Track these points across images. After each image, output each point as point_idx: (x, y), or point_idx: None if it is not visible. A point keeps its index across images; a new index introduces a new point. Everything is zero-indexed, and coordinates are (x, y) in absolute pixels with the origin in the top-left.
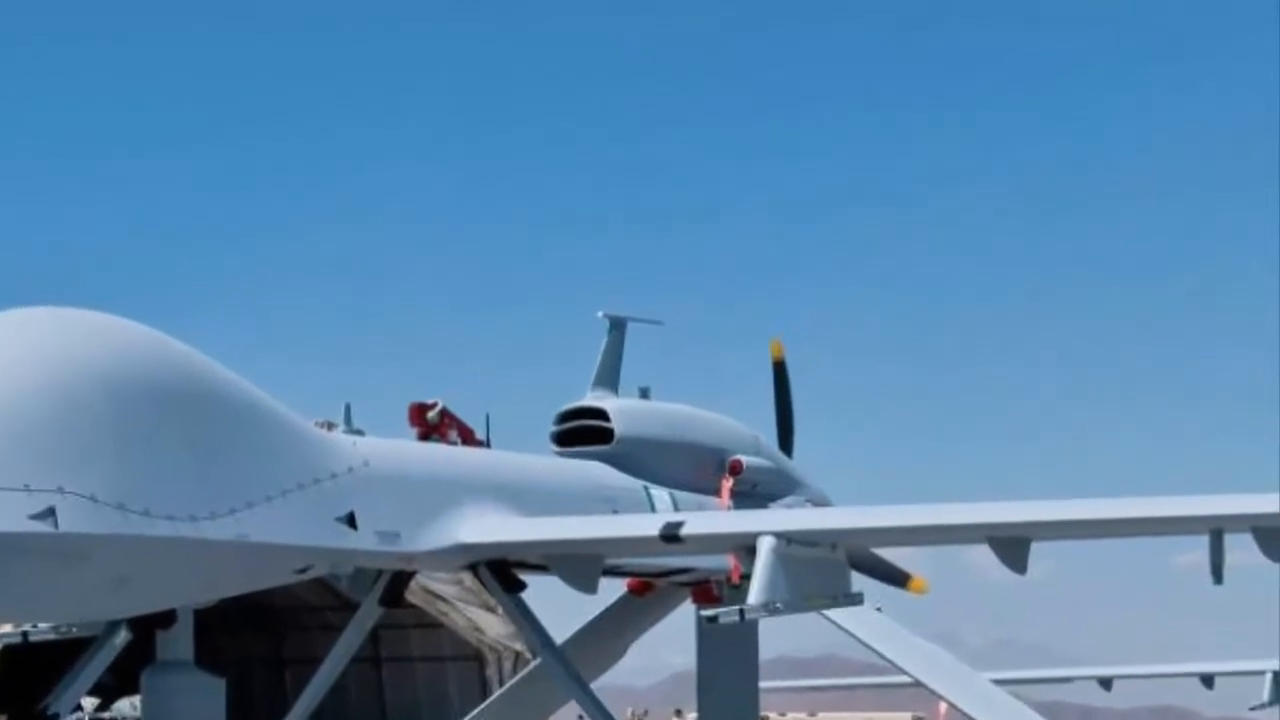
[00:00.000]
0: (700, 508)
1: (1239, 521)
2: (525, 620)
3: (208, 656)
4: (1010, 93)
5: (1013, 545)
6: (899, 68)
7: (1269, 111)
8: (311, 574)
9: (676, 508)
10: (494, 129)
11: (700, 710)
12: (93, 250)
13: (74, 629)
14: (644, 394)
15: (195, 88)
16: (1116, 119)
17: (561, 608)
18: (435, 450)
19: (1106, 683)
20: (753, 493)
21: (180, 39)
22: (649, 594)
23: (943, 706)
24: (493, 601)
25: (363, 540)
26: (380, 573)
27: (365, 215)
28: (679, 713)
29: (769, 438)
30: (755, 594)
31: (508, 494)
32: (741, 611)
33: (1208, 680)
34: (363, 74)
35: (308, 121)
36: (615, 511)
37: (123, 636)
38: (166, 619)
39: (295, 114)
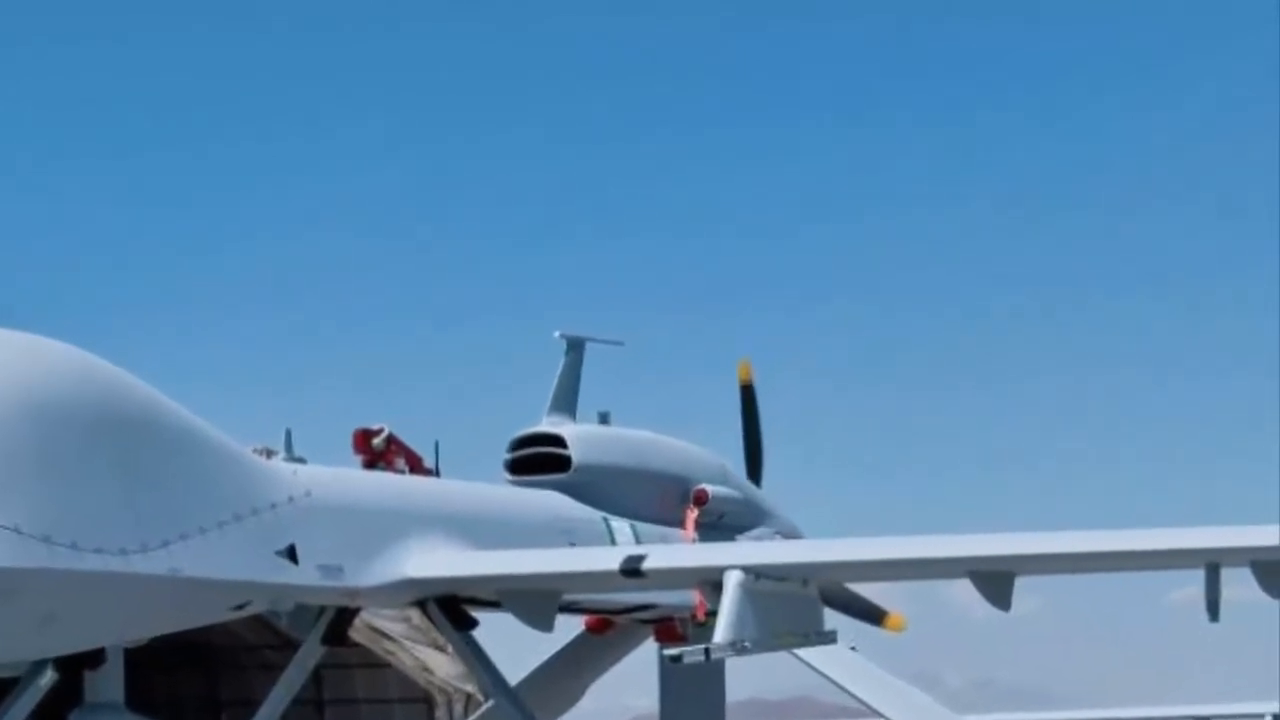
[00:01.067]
0: (663, 540)
1: (1237, 555)
2: (476, 660)
3: (139, 698)
4: (993, 100)
5: (996, 580)
6: (876, 74)
7: (1269, 120)
8: (249, 610)
9: (638, 540)
10: (443, 137)
11: None
12: (13, 266)
13: None
14: (603, 419)
15: (126, 94)
16: (1107, 127)
17: (515, 647)
18: (381, 479)
19: None
20: (719, 524)
21: (110, 43)
22: (608, 632)
23: None
24: (442, 640)
25: (304, 575)
26: (323, 609)
27: (306, 228)
28: None
29: (736, 466)
30: (722, 632)
31: (458, 525)
32: (707, 650)
33: None
34: (305, 79)
35: (243, 130)
36: (573, 544)
37: (49, 677)
38: (95, 658)
39: (231, 121)
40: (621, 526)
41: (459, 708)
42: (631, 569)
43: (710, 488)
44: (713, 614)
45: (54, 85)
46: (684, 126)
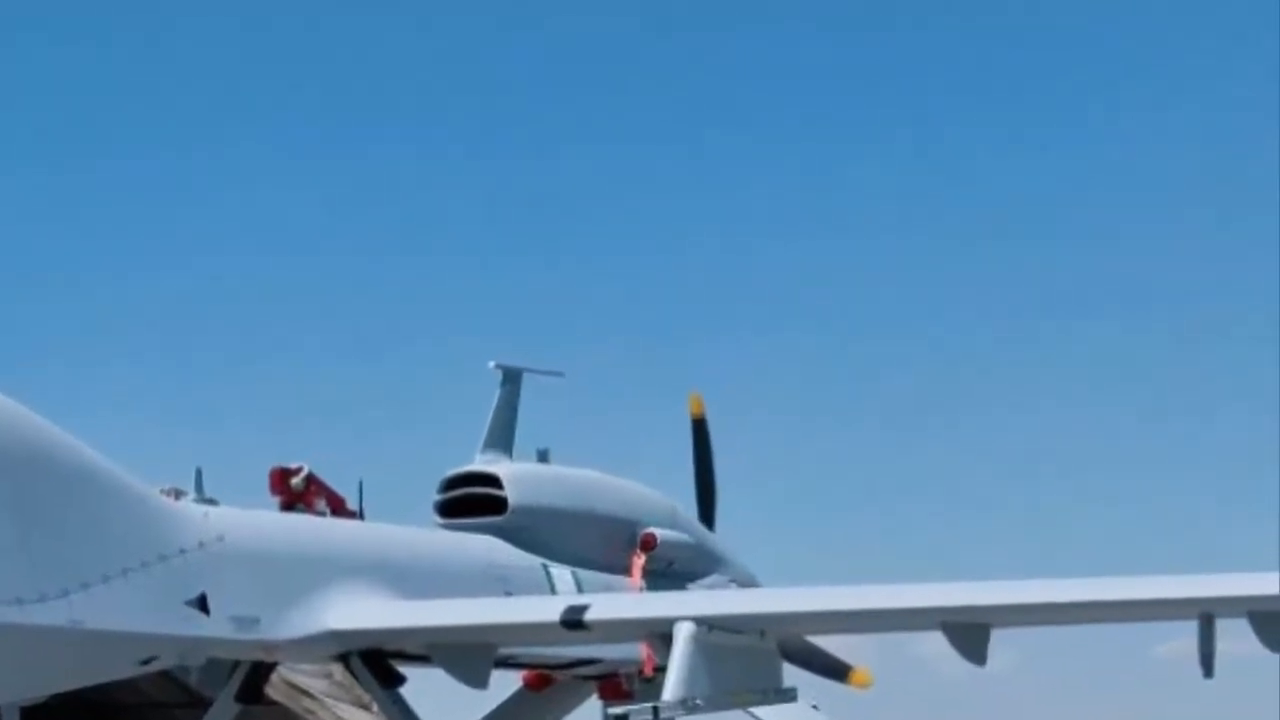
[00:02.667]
0: (608, 589)
1: (1233, 605)
2: (404, 719)
3: None
4: (966, 112)
5: (970, 632)
6: (837, 83)
7: (1268, 134)
8: (157, 665)
9: (580, 589)
10: (366, 152)
11: None
12: None
13: None
14: (542, 457)
15: (20, 105)
16: (1090, 142)
17: (447, 705)
18: (300, 522)
19: None
20: (669, 571)
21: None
22: (548, 689)
23: None
24: (367, 698)
25: (216, 626)
26: (236, 664)
27: (218, 250)
28: None
29: (687, 508)
30: (671, 689)
31: (384, 573)
32: (655, 709)
33: None
34: (213, 88)
35: (147, 144)
36: (509, 593)
37: None
38: None
39: (132, 135)
40: (562, 574)
41: None
42: (573, 620)
43: (659, 532)
44: (661, 669)
45: None
46: (629, 144)
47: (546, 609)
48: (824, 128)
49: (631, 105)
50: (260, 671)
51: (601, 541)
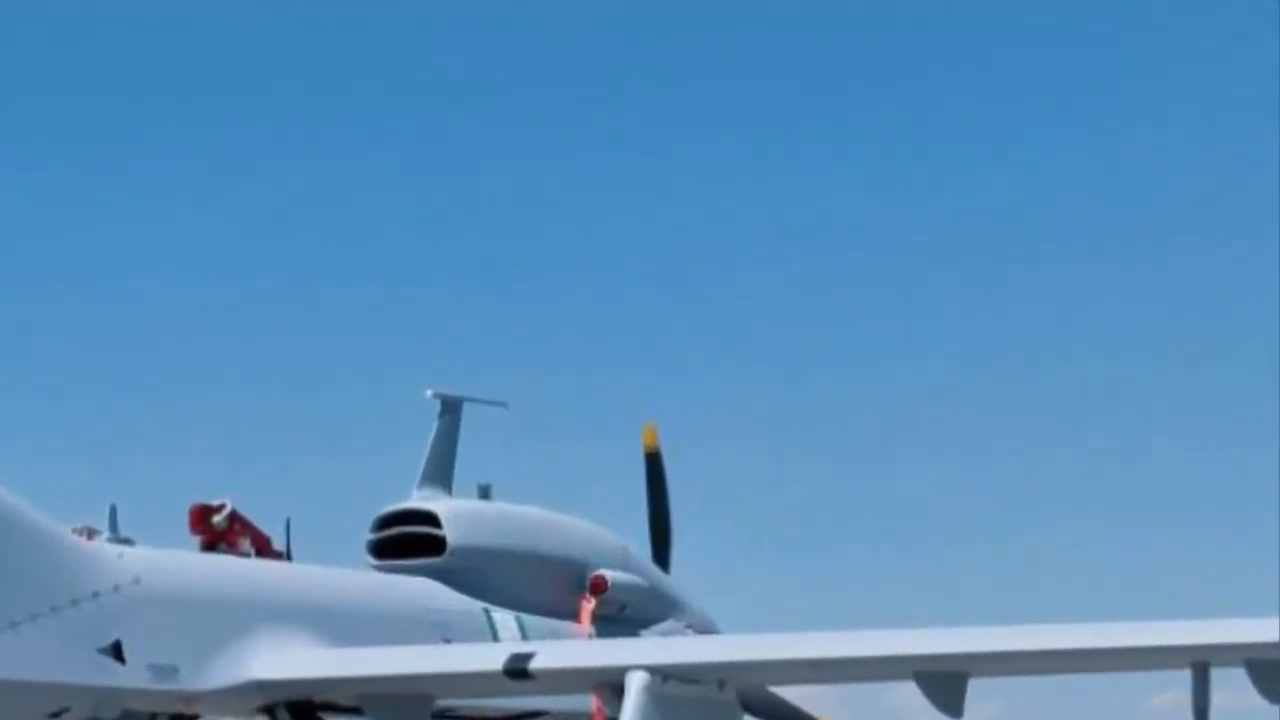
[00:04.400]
0: (555, 635)
1: (1229, 652)
2: None
3: None
4: (943, 116)
5: (946, 682)
6: (805, 87)
7: (1267, 141)
8: (68, 718)
9: (525, 636)
10: (293, 159)
11: None
12: None
13: None
14: (484, 493)
15: None
16: (1078, 148)
17: None
18: (223, 563)
19: None
20: (620, 616)
21: None
22: None
23: None
24: None
25: (132, 676)
26: (154, 717)
27: (131, 267)
28: None
29: (641, 548)
30: None
31: (313, 618)
32: None
33: None
34: (131, 94)
35: (54, 150)
36: (448, 640)
37: None
38: None
39: (40, 140)
40: (505, 619)
41: None
42: (517, 669)
43: (610, 574)
44: None
45: None
46: (574, 153)
47: (488, 657)
48: (779, 144)
49: (578, 118)
50: None
51: (548, 584)
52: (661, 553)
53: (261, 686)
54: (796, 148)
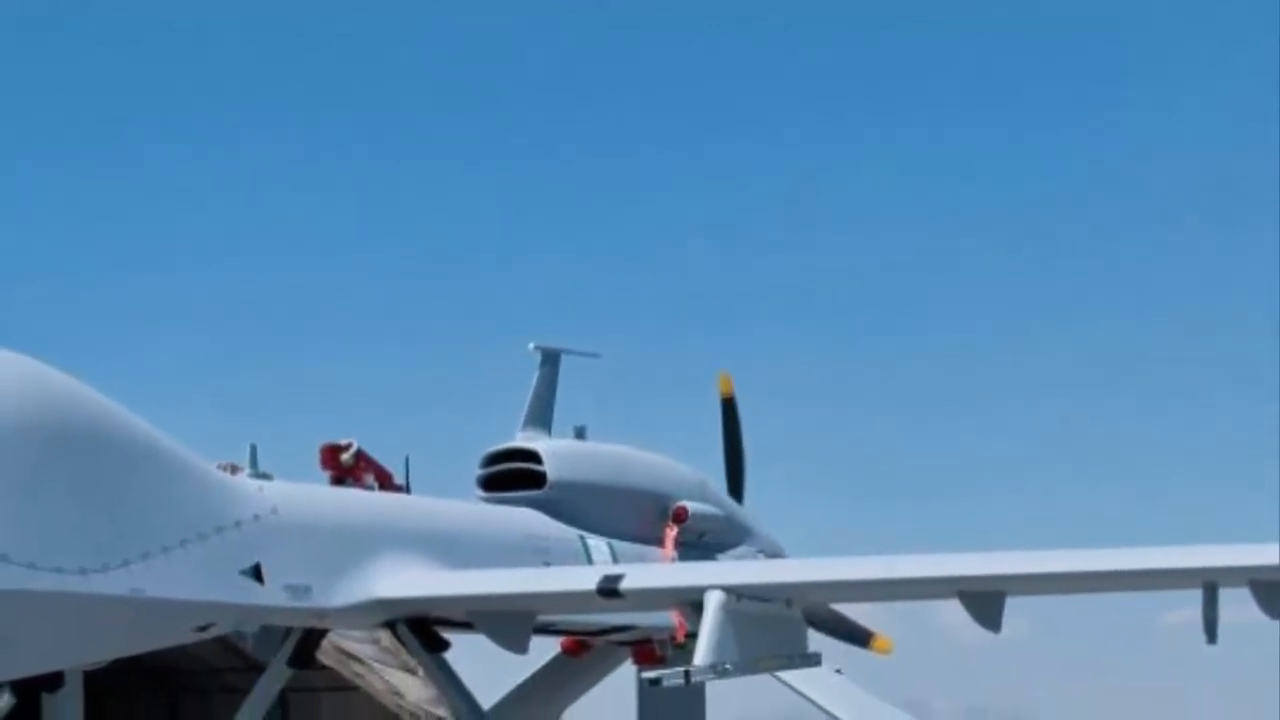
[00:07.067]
0: (641, 559)
1: (1235, 574)
2: (449, 683)
3: None
4: (978, 106)
5: (986, 601)
6: (854, 83)
7: (1268, 130)
8: (213, 632)
9: (615, 559)
10: (408, 146)
11: None
12: None
13: None
14: (579, 434)
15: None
16: (1098, 135)
17: (489, 669)
18: (349, 496)
19: None
20: (699, 543)
21: (58, 49)
22: (585, 654)
23: None
24: (413, 662)
25: (270, 595)
26: (289, 631)
27: (268, 242)
28: None
29: (717, 482)
30: (702, 654)
31: (429, 544)
32: (687, 673)
33: None
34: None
35: (185, 137)
36: (548, 563)
37: (6, 701)
38: (54, 682)
39: (185, 132)
40: (598, 545)
41: None
42: (608, 589)
43: (690, 505)
44: (692, 635)
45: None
46: (658, 138)
47: (583, 579)
48: (843, 130)
49: (662, 108)
50: (312, 638)
51: (635, 514)
52: (736, 486)
53: (383, 604)
54: (853, 136)
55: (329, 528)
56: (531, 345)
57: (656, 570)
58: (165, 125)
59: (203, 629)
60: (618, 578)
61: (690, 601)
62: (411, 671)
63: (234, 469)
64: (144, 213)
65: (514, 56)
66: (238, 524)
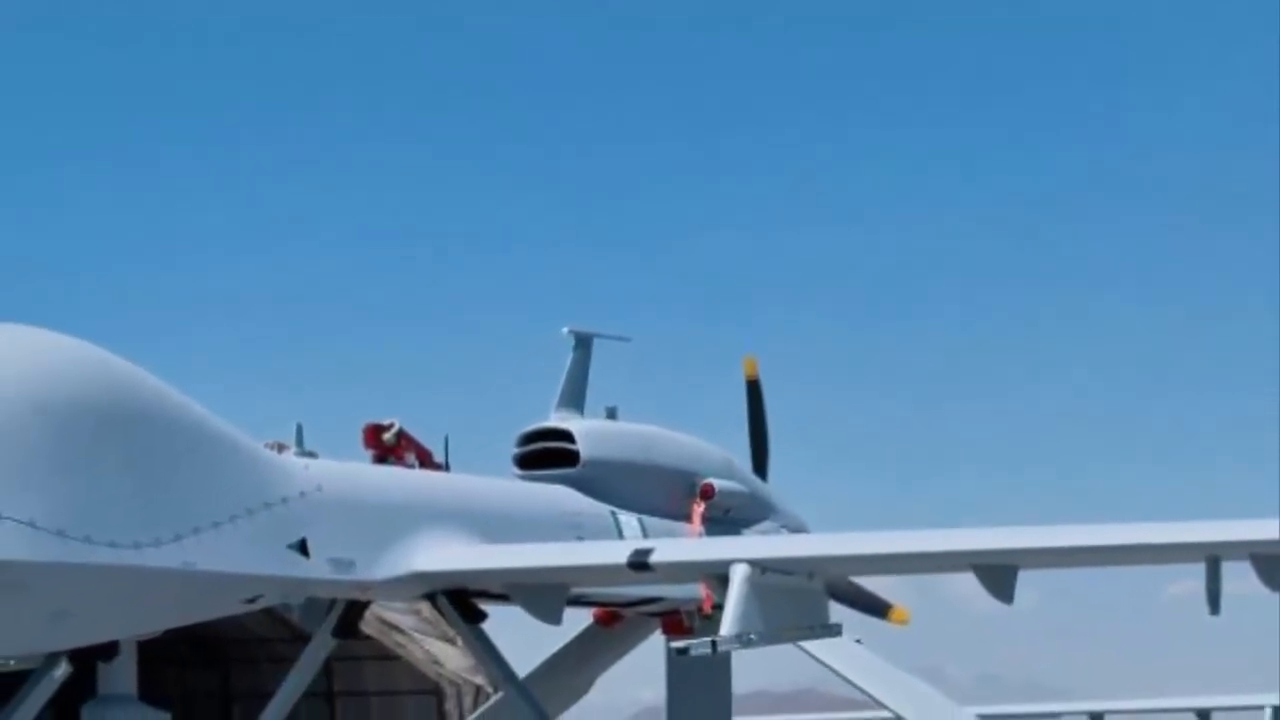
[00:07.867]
0: (670, 534)
1: (1237, 549)
2: (486, 652)
3: (152, 690)
4: (992, 101)
5: (999, 573)
6: (873, 76)
7: (1269, 122)
8: (261, 604)
9: (645, 534)
10: (448, 137)
11: None
12: (22, 264)
13: (10, 662)
14: (611, 414)
15: (132, 95)
16: (1107, 128)
17: (524, 639)
18: (391, 474)
19: (1098, 718)
20: (725, 518)
21: (111, 41)
22: (616, 625)
23: None
24: (452, 633)
25: (315, 568)
26: (333, 603)
27: (313, 229)
28: None
29: (742, 460)
30: (728, 625)
31: (467, 519)
32: (714, 643)
33: (1204, 715)
34: (308, 82)
35: (246, 131)
36: (581, 538)
37: (63, 670)
38: (108, 651)
39: (236, 123)
40: (629, 520)
41: (468, 700)
42: (639, 562)
43: (717, 482)
44: (719, 607)
45: (60, 83)
46: (688, 127)
47: (615, 552)
48: (862, 121)
49: (691, 97)
50: (355, 609)
51: (664, 491)
52: (760, 465)
53: (423, 577)
54: (872, 128)
55: (371, 504)
56: (565, 330)
57: (685, 544)
58: (219, 125)
59: (251, 601)
60: (648, 551)
61: (717, 575)
62: (450, 641)
63: (281, 448)
64: (200, 205)
65: (554, 60)
66: (284, 500)
